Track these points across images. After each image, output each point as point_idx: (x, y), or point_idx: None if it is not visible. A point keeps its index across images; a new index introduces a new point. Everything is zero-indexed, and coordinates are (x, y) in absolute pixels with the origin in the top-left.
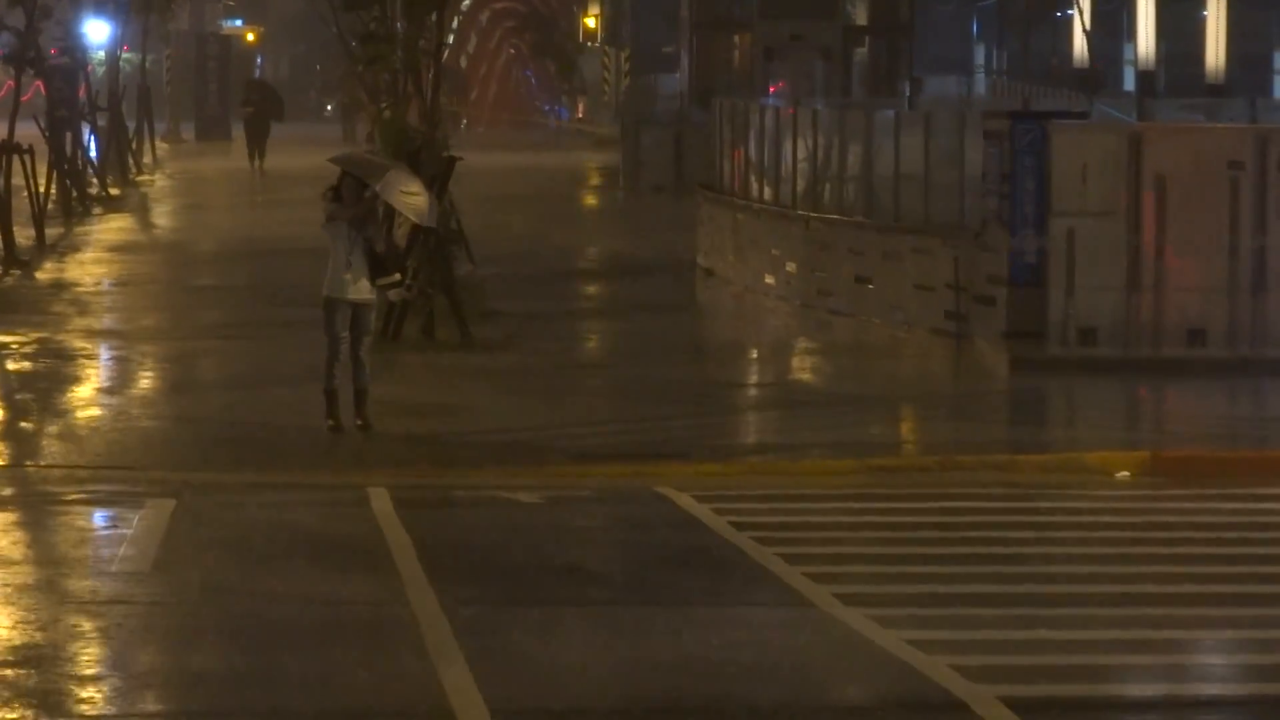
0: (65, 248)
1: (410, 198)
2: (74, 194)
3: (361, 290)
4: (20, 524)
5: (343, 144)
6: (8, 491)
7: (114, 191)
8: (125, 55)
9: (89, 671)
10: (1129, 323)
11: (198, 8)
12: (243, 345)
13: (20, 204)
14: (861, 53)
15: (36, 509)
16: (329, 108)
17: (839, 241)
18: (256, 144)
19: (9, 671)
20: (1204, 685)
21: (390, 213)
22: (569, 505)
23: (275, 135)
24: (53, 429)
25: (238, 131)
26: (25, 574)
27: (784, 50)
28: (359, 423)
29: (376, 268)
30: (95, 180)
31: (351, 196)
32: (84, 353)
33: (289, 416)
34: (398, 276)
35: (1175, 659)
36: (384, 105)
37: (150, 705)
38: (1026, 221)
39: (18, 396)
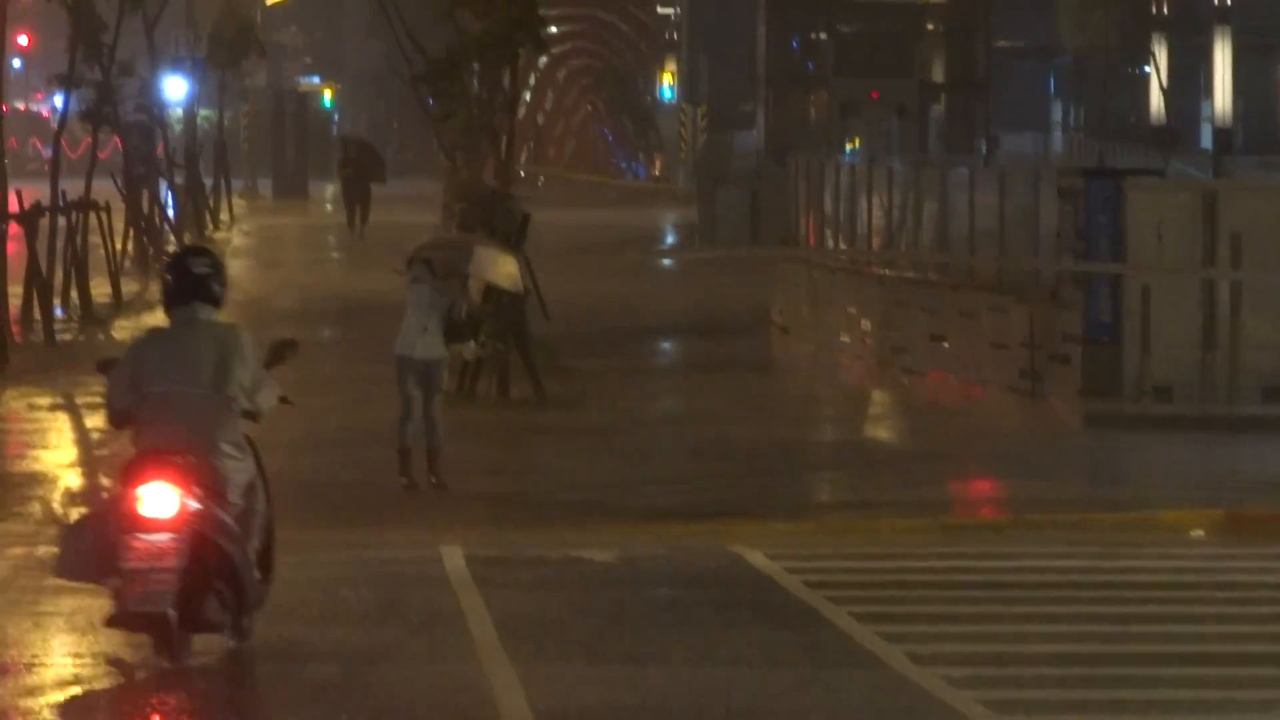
0: (141, 305)
1: (504, 269)
2: (151, 251)
3: (431, 348)
4: None
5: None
6: None
7: None
8: (203, 112)
9: None
10: (1204, 380)
11: (275, 64)
12: (318, 402)
13: (97, 261)
14: (938, 109)
15: None
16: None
17: (914, 299)
18: (358, 207)
19: None
20: None
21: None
22: (642, 564)
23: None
24: None
25: (315, 188)
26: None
27: (860, 107)
28: (433, 480)
29: (453, 332)
30: (172, 237)
31: (444, 269)
32: None
33: (364, 474)
34: (471, 343)
35: None
36: (460, 163)
37: None
38: (1102, 280)
39: (93, 451)
